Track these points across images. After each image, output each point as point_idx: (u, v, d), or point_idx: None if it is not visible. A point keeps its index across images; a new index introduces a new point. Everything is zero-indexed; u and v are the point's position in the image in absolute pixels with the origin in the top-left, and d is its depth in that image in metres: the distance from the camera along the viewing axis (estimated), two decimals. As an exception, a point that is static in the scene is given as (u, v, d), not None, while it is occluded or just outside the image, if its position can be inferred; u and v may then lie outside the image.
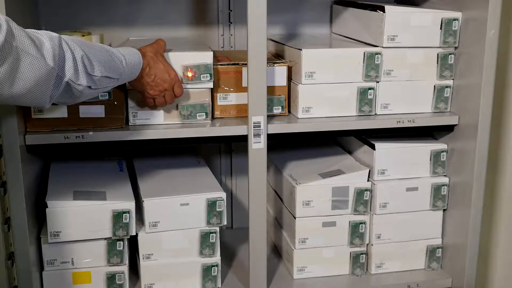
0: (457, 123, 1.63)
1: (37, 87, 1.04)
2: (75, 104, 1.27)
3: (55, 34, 1.10)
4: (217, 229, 1.58)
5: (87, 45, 1.17)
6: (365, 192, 1.65)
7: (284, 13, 1.89)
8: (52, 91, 1.09)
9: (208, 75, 1.50)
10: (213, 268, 1.60)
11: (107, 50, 1.24)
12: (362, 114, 1.61)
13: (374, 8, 1.61)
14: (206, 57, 1.50)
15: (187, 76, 1.48)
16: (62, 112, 1.44)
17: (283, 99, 1.59)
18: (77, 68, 1.13)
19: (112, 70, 1.23)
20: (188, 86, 1.49)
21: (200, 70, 1.49)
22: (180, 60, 1.48)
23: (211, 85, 1.51)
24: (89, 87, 1.17)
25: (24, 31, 1.01)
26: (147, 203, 1.52)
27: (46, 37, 1.07)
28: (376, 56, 1.58)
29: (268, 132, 1.50)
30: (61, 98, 1.15)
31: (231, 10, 1.85)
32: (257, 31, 1.42)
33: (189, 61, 1.49)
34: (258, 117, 1.48)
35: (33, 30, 1.07)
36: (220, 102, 1.57)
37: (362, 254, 1.70)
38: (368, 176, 1.67)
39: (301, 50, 1.55)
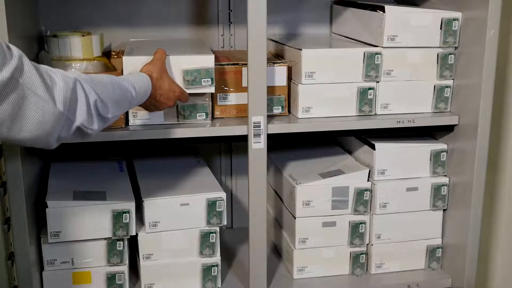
0: (457, 123, 1.63)
1: (41, 129, 0.99)
2: None
3: (71, 76, 1.04)
4: (217, 229, 1.58)
5: (101, 84, 1.12)
6: (365, 192, 1.65)
7: (284, 13, 1.89)
8: (60, 133, 1.05)
9: (209, 79, 1.47)
10: (213, 268, 1.60)
11: (118, 84, 1.19)
12: (362, 114, 1.60)
13: (374, 8, 1.61)
14: (207, 61, 1.47)
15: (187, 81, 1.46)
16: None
17: (283, 99, 1.59)
18: (91, 113, 1.08)
19: (123, 107, 1.20)
20: (189, 91, 1.46)
21: (201, 75, 1.47)
22: (180, 64, 1.46)
23: (212, 89, 1.49)
24: (99, 127, 1.14)
25: (37, 70, 0.97)
26: (147, 203, 1.52)
27: (61, 78, 1.01)
28: (376, 56, 1.58)
29: (268, 132, 1.50)
30: (72, 138, 1.11)
31: (231, 10, 1.85)
32: (257, 31, 1.42)
33: (189, 65, 1.46)
34: (258, 117, 1.48)
35: (49, 68, 1.02)
36: (220, 102, 1.57)
37: (362, 254, 1.70)
38: (368, 176, 1.67)
39: (301, 50, 1.55)
